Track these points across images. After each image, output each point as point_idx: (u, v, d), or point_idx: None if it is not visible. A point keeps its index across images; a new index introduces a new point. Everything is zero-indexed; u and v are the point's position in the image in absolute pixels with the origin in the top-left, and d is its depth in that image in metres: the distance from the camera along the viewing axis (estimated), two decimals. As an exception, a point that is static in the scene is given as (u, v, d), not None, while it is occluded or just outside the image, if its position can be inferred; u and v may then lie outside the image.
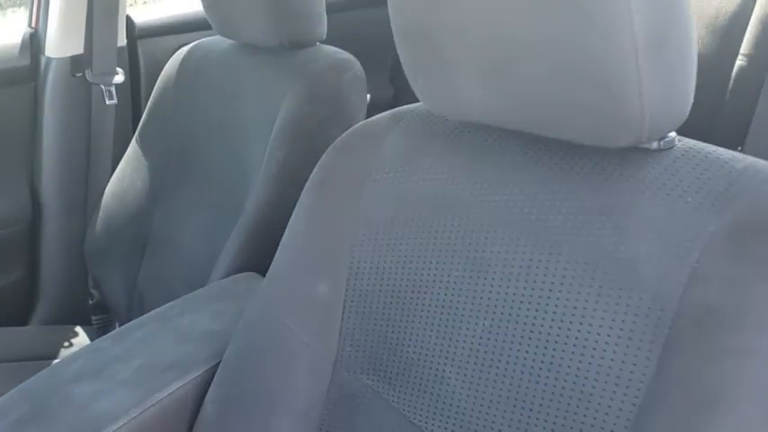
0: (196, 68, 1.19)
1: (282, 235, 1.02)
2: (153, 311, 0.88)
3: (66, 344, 1.29)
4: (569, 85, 0.44)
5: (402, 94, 1.79)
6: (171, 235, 1.19)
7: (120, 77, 1.31)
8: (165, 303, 1.21)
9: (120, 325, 1.33)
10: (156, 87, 1.24)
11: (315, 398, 0.69)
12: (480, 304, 0.58)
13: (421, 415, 0.61)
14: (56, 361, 1.24)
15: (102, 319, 1.40)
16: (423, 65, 0.58)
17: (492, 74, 0.50)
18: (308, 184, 0.73)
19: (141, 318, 0.86)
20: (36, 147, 1.33)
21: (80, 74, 1.29)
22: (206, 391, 0.75)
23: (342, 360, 0.69)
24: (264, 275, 0.97)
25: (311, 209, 0.71)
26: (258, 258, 0.99)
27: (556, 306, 0.50)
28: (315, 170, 0.72)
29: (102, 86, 1.29)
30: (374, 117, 0.72)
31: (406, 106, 0.72)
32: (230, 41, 1.15)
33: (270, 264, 0.99)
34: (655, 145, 0.50)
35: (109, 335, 0.84)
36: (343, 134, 0.72)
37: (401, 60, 0.61)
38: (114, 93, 1.30)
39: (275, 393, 0.70)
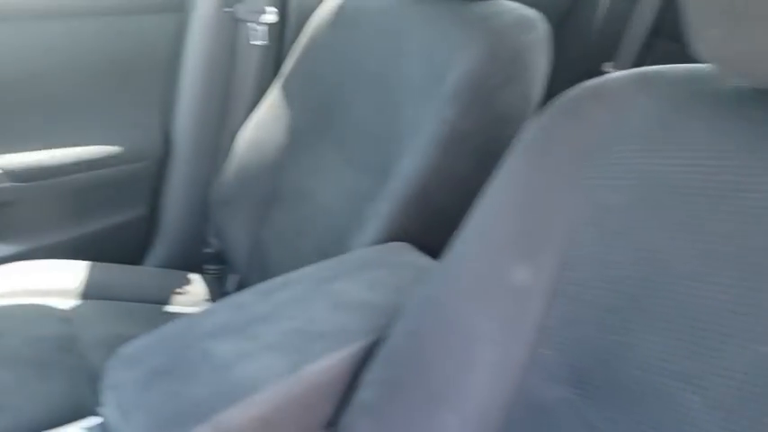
0: (353, 14, 1.09)
1: (442, 204, 0.91)
2: (299, 271, 0.79)
3: (179, 290, 1.24)
4: None
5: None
6: (304, 191, 1.11)
7: (270, 17, 1.22)
8: (289, 262, 1.13)
9: (240, 278, 1.27)
10: (304, 31, 1.15)
11: (494, 401, 0.59)
12: (755, 324, 0.45)
13: (644, 447, 0.50)
14: (168, 306, 1.19)
15: (216, 270, 1.34)
16: (722, 8, 0.45)
17: None
18: (515, 146, 0.61)
19: (286, 276, 0.78)
20: (174, 82, 1.26)
21: (230, 9, 1.21)
22: (360, 369, 0.66)
23: (536, 362, 0.57)
24: (418, 247, 0.87)
25: (517, 177, 0.60)
26: (412, 228, 0.89)
27: None
28: (527, 131, 0.60)
29: (251, 25, 1.21)
30: (609, 76, 0.60)
31: (650, 67, 0.59)
32: (394, -13, 1.05)
33: (426, 235, 0.89)
34: None
35: (251, 290, 0.75)
36: (569, 92, 0.60)
37: (685, 4, 0.48)
38: (263, 33, 1.21)
39: (447, 387, 0.60)
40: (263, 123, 1.18)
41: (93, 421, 0.70)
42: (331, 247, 1.02)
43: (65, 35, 1.19)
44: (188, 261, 1.34)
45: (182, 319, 0.72)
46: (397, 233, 0.88)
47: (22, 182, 1.18)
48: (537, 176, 0.58)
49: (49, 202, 1.24)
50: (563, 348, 0.56)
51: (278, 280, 0.77)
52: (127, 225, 1.33)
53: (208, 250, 1.35)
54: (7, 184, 1.17)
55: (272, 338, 0.67)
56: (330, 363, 0.65)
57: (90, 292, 1.12)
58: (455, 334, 0.60)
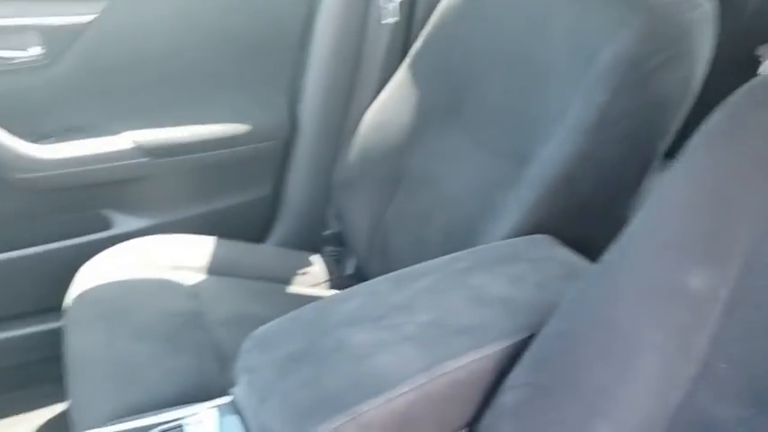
0: None
1: (587, 194, 0.85)
2: (435, 260, 0.75)
3: (299, 270, 1.24)
4: None
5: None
6: (432, 176, 1.07)
7: (402, -6, 1.19)
8: (412, 249, 1.10)
9: (358, 261, 1.26)
10: (437, 10, 1.11)
11: (655, 416, 0.53)
12: None
13: None
14: (290, 286, 1.19)
15: (335, 252, 1.33)
16: None
17: None
18: (696, 137, 0.54)
19: (421, 265, 0.74)
20: (303, 62, 1.25)
21: (370, -13, 1.19)
22: (504, 370, 0.62)
23: (707, 378, 0.51)
24: (562, 240, 0.81)
25: (700, 171, 0.53)
26: (553, 219, 0.84)
27: None
28: (712, 120, 0.54)
29: (382, 2, 1.17)
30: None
31: None
32: (538, -38, 0.98)
33: (567, 227, 0.83)
34: None
35: (386, 278, 0.72)
36: (759, 78, 0.53)
37: None
38: (393, 10, 1.18)
39: (601, 396, 0.55)
40: (389, 104, 1.15)
41: (222, 401, 0.69)
42: (458, 235, 0.98)
43: (197, 13, 1.20)
44: (308, 241, 1.34)
45: (315, 303, 0.70)
46: (537, 224, 0.83)
47: (154, 157, 1.21)
48: (724, 171, 0.51)
49: (179, 178, 1.27)
50: (741, 362, 0.50)
51: (410, 269, 0.73)
52: (251, 203, 1.35)
53: (328, 232, 1.34)
54: (140, 160, 1.20)
55: (409, 330, 0.64)
56: (472, 360, 0.61)
57: (214, 268, 1.13)
58: (615, 340, 0.55)
